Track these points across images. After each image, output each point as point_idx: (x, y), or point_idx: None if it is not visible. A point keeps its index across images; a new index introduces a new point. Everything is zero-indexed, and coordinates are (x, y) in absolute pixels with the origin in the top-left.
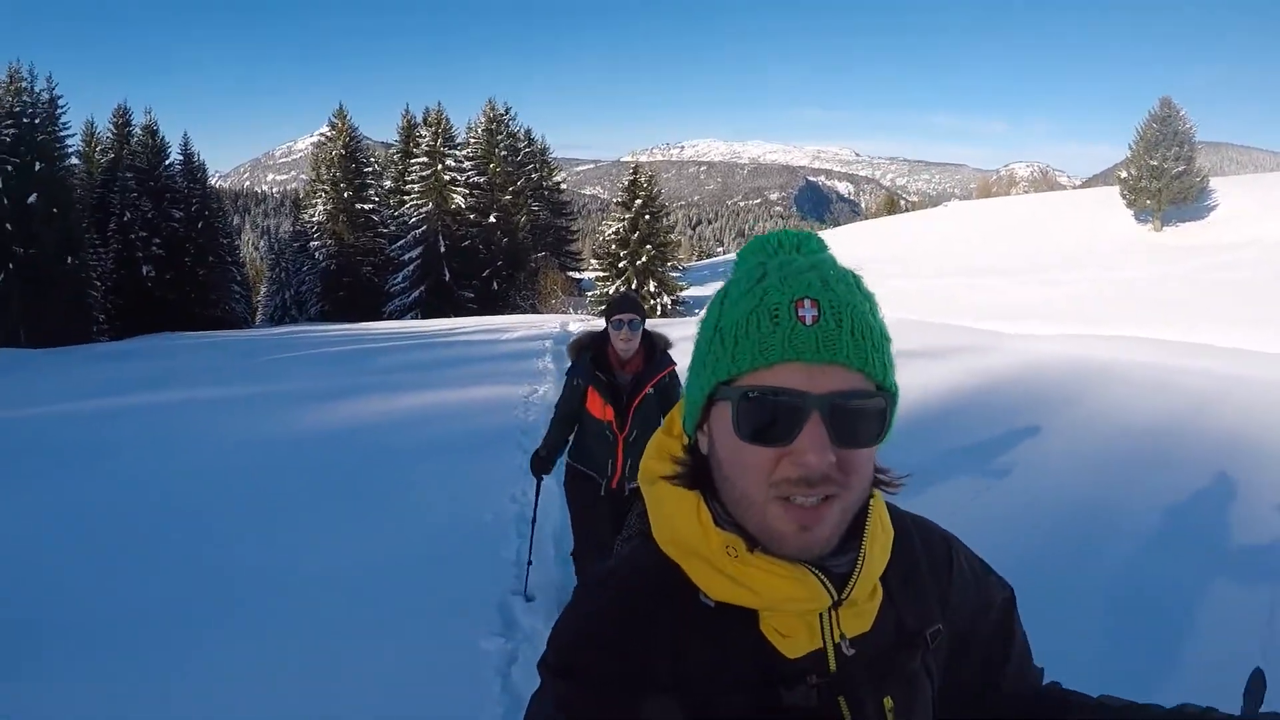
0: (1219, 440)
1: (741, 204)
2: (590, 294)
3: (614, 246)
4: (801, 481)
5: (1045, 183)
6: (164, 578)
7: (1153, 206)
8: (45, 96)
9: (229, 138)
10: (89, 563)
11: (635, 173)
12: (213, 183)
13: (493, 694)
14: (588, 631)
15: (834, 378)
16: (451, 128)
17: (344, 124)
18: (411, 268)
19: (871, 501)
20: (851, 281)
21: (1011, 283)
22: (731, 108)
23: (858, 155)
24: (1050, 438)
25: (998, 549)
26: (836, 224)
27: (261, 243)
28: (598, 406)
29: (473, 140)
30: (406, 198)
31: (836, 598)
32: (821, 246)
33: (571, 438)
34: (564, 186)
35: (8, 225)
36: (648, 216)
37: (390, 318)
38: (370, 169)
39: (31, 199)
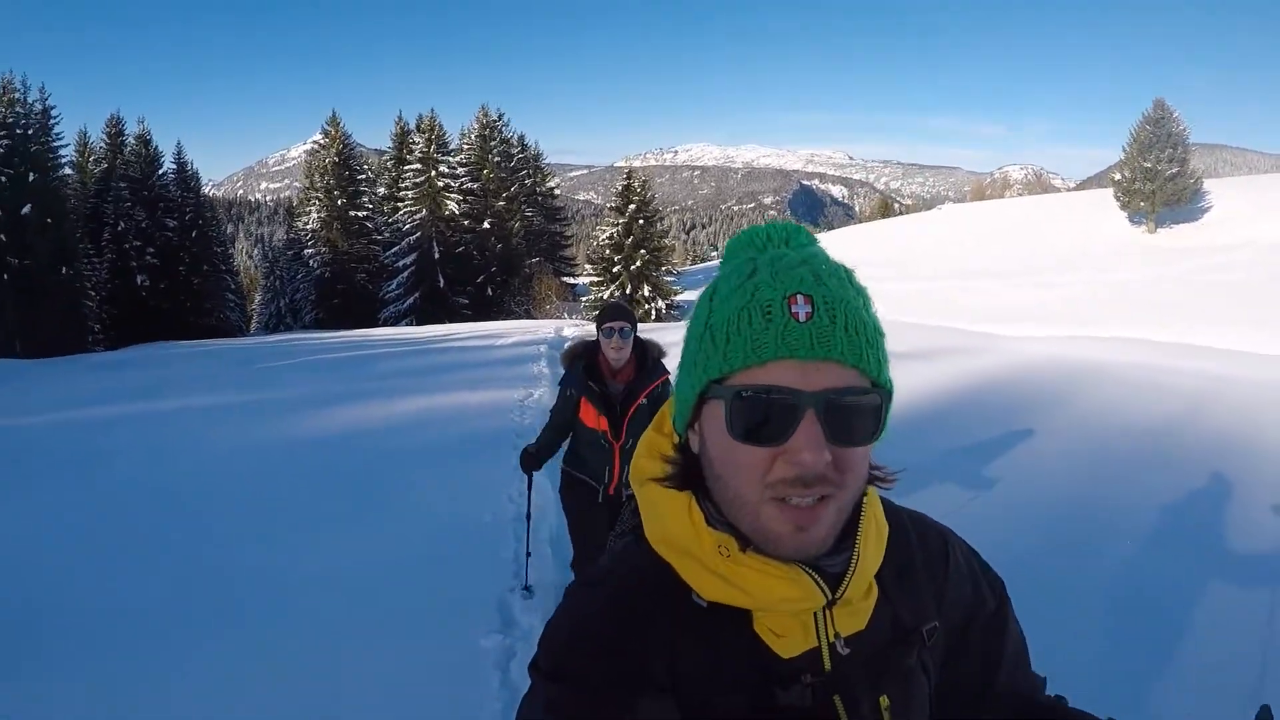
0: (1214, 440)
1: (735, 208)
2: (585, 299)
3: (608, 251)
4: (797, 481)
5: (1039, 185)
6: (163, 579)
7: (1147, 208)
8: (38, 107)
9: (222, 146)
10: (88, 564)
11: (629, 178)
12: (206, 191)
13: (491, 689)
14: (579, 633)
15: (828, 375)
16: (445, 134)
17: (337, 131)
18: (406, 274)
19: (866, 499)
20: (844, 276)
21: (1006, 285)
22: (725, 112)
23: (851, 159)
24: (1045, 438)
25: (995, 548)
26: (831, 227)
27: (255, 251)
28: (591, 416)
29: (466, 146)
30: (400, 204)
31: (831, 597)
32: (811, 240)
33: (566, 445)
34: (558, 192)
35: (2, 236)
36: (641, 221)
37: (385, 324)
38: (364, 176)
39: (25, 209)
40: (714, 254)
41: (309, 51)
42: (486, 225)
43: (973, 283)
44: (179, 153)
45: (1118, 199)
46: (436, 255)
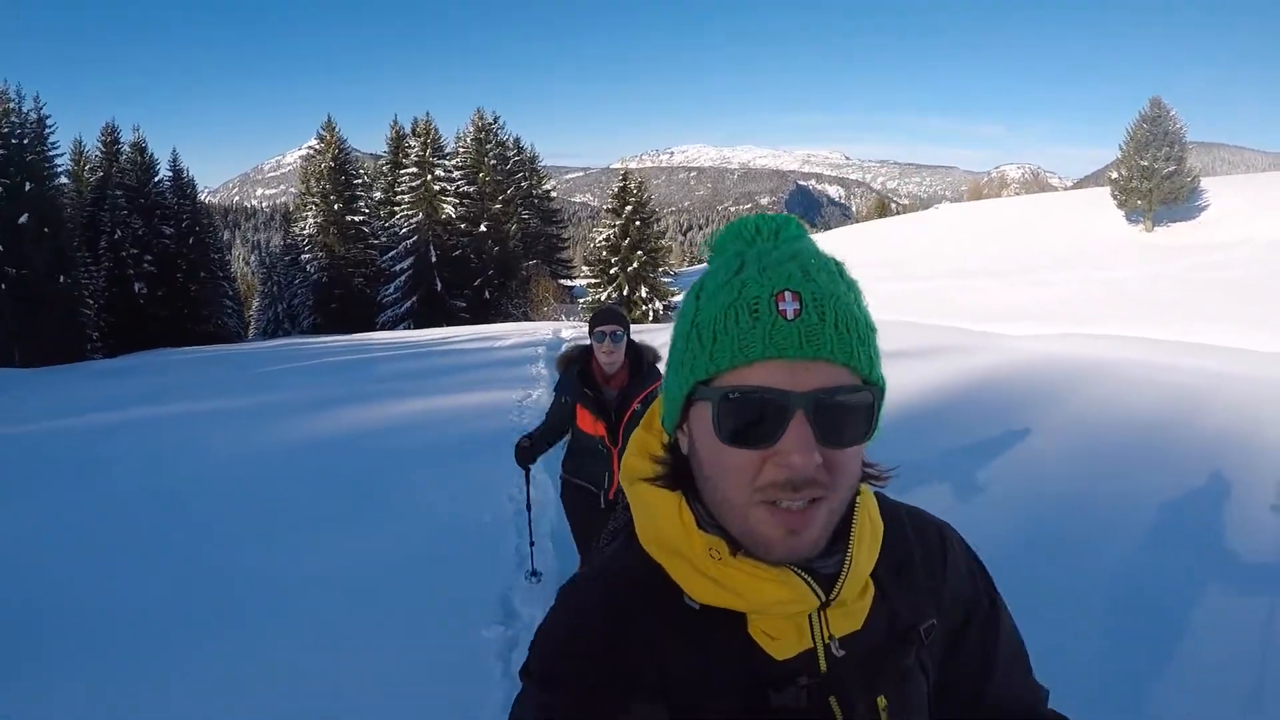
0: (1213, 437)
1: (732, 209)
2: (582, 301)
3: (605, 253)
4: (787, 484)
5: (1036, 184)
6: (163, 580)
7: (1144, 207)
8: (33, 117)
9: (217, 154)
10: (89, 565)
11: (625, 179)
12: (202, 199)
13: (494, 678)
14: (569, 637)
15: (818, 374)
16: (440, 138)
17: (332, 136)
18: (403, 278)
19: (859, 497)
20: (834, 270)
21: (1002, 284)
22: (721, 113)
23: (848, 159)
24: (1042, 436)
25: (993, 546)
26: (828, 227)
27: (252, 257)
28: (588, 422)
29: (462, 150)
30: (397, 208)
31: (824, 599)
32: (800, 232)
33: (565, 449)
34: (554, 194)
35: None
36: (638, 223)
37: (383, 328)
38: (360, 181)
39: (22, 219)
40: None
41: (303, 57)
42: (483, 228)
43: (970, 282)
44: (175, 160)
45: (1115, 197)
46: (433, 259)
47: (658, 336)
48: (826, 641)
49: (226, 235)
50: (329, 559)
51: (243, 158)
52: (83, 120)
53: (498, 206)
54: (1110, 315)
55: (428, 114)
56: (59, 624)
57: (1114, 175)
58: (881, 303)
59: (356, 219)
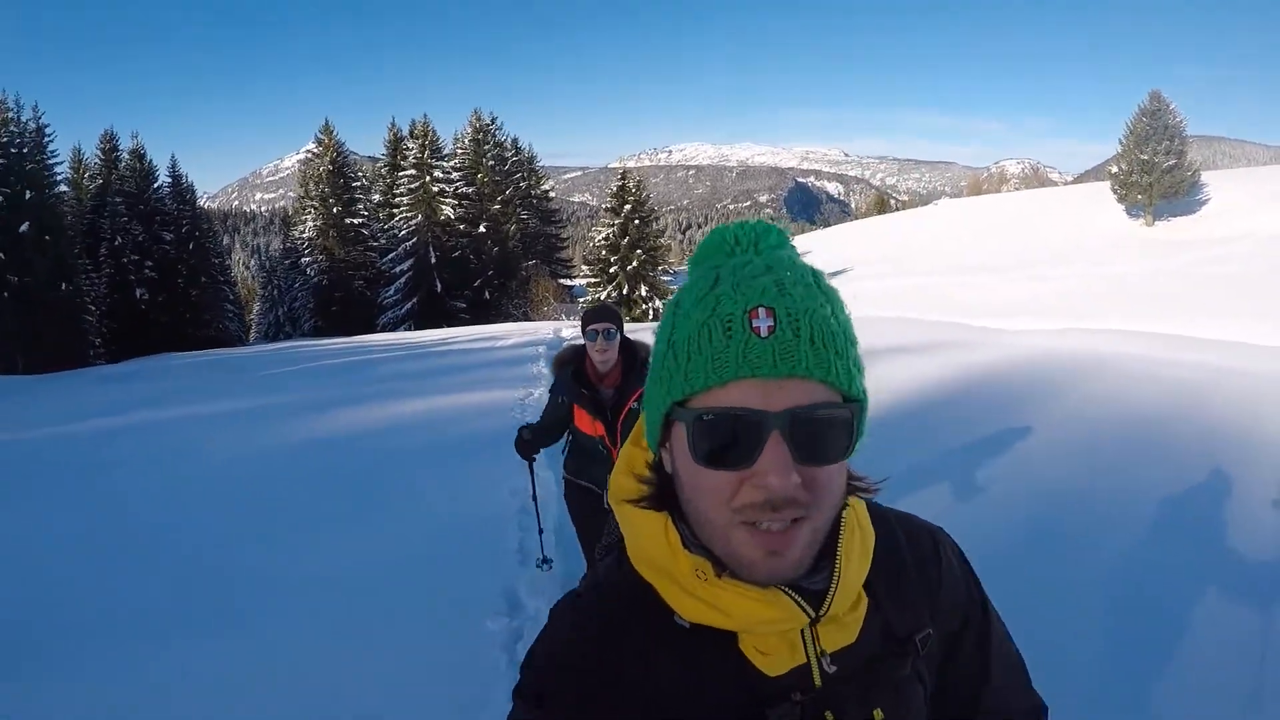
0: (1213, 432)
1: (731, 207)
2: (582, 300)
3: (604, 252)
4: (766, 505)
5: (1036, 179)
6: (164, 579)
7: (1144, 201)
8: (32, 126)
9: (215, 159)
10: (90, 565)
11: (623, 178)
12: (201, 204)
13: (499, 668)
14: (559, 657)
15: (793, 392)
16: (438, 139)
17: (330, 140)
18: (403, 280)
19: (846, 511)
20: (811, 281)
21: (1002, 280)
22: (719, 111)
23: (847, 155)
24: (1042, 431)
25: (993, 542)
26: (827, 224)
27: (252, 261)
28: (586, 422)
29: (460, 151)
30: (396, 211)
31: (814, 615)
32: (781, 241)
33: (567, 450)
34: (553, 194)
35: (1, 254)
36: (637, 221)
37: (383, 330)
38: (359, 183)
39: (23, 228)
40: None
41: (300, 61)
42: (482, 229)
43: (969, 278)
44: (174, 166)
45: (1115, 192)
46: (433, 260)
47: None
48: (819, 657)
49: (226, 240)
50: (331, 558)
51: (241, 163)
52: (81, 128)
53: (496, 207)
54: (1110, 310)
55: (425, 116)
56: (59, 623)
57: (1114, 170)
58: (881, 299)
59: (356, 221)
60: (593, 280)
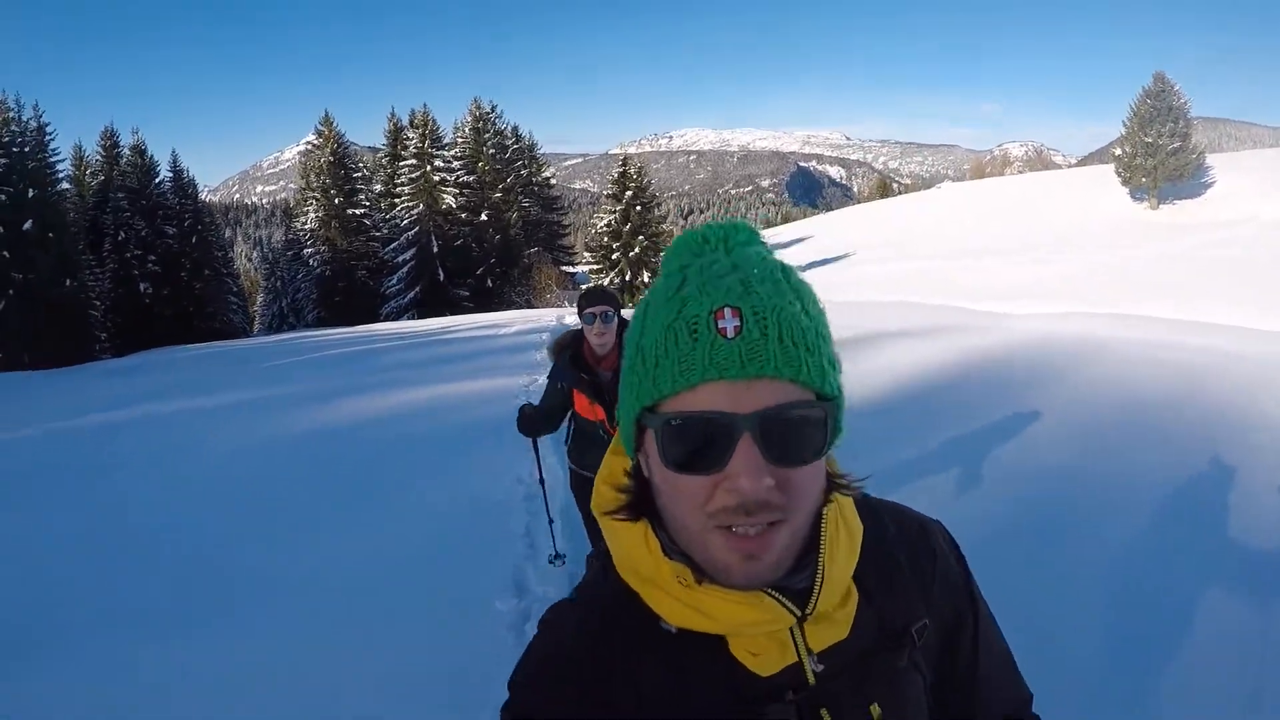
0: (1216, 417)
1: (733, 192)
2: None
3: (606, 239)
4: (739, 509)
5: (1040, 162)
6: (166, 574)
7: (1148, 184)
8: (33, 125)
9: (215, 153)
10: (90, 562)
11: (624, 165)
12: (203, 198)
13: (507, 647)
14: (544, 673)
15: (763, 393)
16: (438, 128)
17: (330, 131)
18: (406, 269)
19: (828, 508)
20: (779, 278)
21: (1005, 263)
22: (719, 95)
23: (849, 139)
24: (1045, 415)
25: (993, 530)
26: (829, 209)
27: (255, 253)
28: (585, 407)
29: (460, 140)
30: (397, 200)
31: (800, 614)
32: (751, 239)
33: (570, 439)
34: (554, 181)
35: (5, 253)
36: (639, 208)
37: (387, 319)
38: (359, 174)
39: (26, 225)
40: None
41: (298, 53)
42: (484, 217)
43: (972, 261)
44: (174, 161)
45: (1119, 175)
46: (435, 249)
47: None
48: (808, 655)
49: (228, 233)
50: (334, 547)
51: (241, 155)
52: (82, 125)
53: (498, 195)
54: (1113, 294)
55: (425, 105)
56: (59, 621)
57: (1118, 152)
58: (884, 283)
59: (357, 212)
60: (595, 267)
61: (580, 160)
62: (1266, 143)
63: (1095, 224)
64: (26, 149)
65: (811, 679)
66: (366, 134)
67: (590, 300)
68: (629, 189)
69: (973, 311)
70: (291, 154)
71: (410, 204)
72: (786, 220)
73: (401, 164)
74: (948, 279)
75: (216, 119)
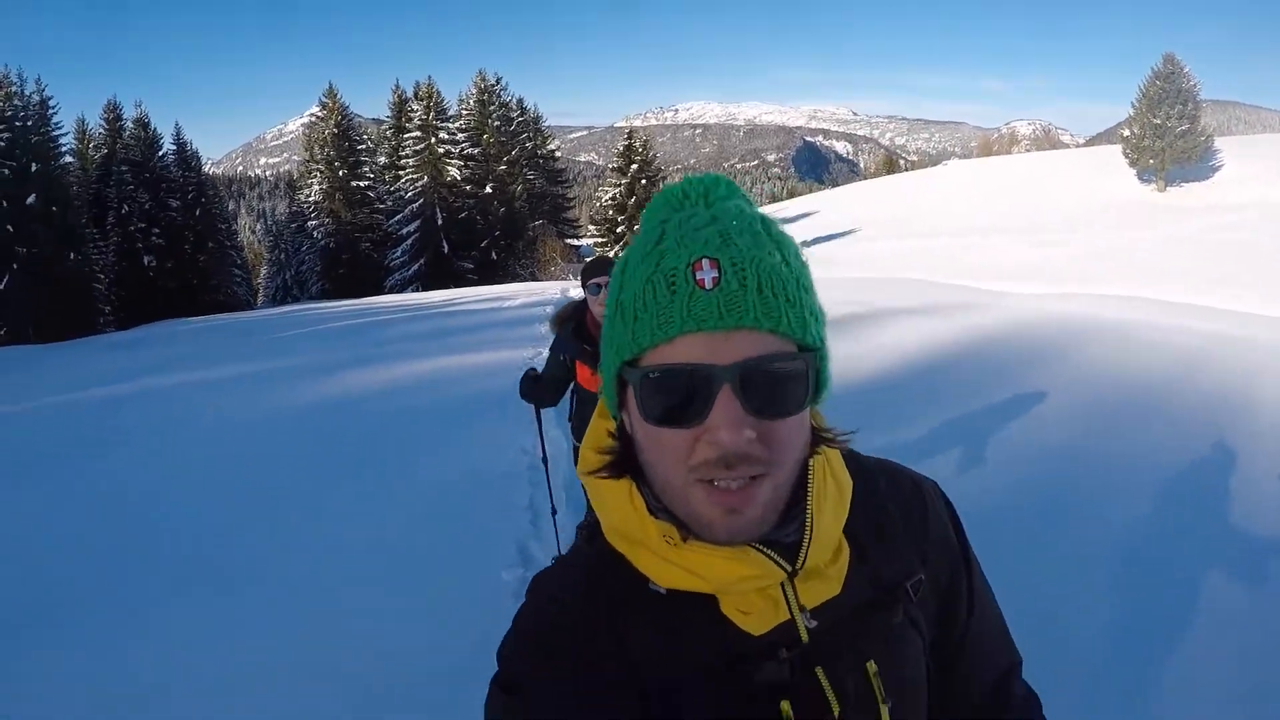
0: (1220, 400)
1: (739, 166)
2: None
3: (611, 212)
4: (719, 462)
5: (1048, 141)
6: (173, 548)
7: (1156, 166)
8: (36, 99)
9: (219, 125)
10: (93, 546)
11: (630, 138)
12: (206, 170)
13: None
14: (530, 643)
15: (742, 344)
16: (443, 101)
17: (335, 103)
18: (410, 241)
19: (816, 459)
20: (759, 230)
21: (1012, 242)
22: (726, 68)
23: (855, 114)
24: (1046, 393)
25: (995, 507)
26: (835, 184)
27: (258, 226)
28: (588, 379)
29: (465, 112)
30: (401, 173)
31: (790, 569)
32: (730, 192)
33: (574, 413)
34: (558, 154)
35: (9, 227)
36: (644, 181)
37: (391, 292)
38: (364, 146)
39: (30, 199)
40: None
41: (302, 25)
42: (488, 190)
43: (978, 239)
44: (178, 134)
45: (1126, 156)
46: (440, 221)
47: None
48: (800, 611)
49: (232, 206)
50: (339, 521)
51: (245, 128)
52: (85, 98)
53: (502, 168)
54: (1119, 276)
55: (429, 77)
56: (57, 619)
57: (1126, 133)
58: (889, 260)
59: (361, 184)
60: (599, 240)
61: (585, 133)
62: (1275, 126)
63: (1102, 205)
64: (29, 123)
65: (805, 636)
66: (371, 106)
67: (594, 270)
68: (634, 162)
69: (977, 290)
70: (295, 126)
71: (415, 176)
72: (792, 195)
73: (406, 136)
74: (954, 257)
75: (220, 91)
